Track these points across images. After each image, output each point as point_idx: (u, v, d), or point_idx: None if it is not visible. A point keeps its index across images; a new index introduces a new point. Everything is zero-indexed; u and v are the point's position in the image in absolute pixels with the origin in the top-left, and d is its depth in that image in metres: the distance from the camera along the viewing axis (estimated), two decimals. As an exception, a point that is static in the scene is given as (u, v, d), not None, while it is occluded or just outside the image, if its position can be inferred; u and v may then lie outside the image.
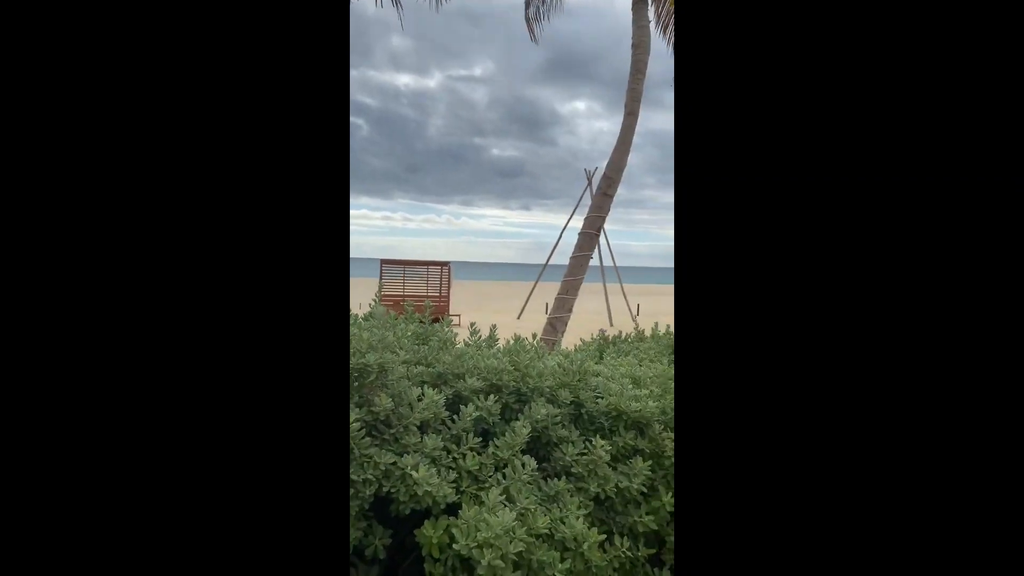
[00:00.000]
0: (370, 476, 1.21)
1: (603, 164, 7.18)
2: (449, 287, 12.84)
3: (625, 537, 1.51)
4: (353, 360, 1.34)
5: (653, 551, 1.61)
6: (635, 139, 7.10)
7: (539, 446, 1.60)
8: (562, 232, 15.53)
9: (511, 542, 1.14)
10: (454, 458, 1.37)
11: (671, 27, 7.88)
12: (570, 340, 5.55)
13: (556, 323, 6.97)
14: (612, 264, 15.81)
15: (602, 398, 1.74)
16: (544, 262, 15.89)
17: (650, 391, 1.86)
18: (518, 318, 14.18)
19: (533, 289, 15.92)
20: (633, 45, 7.00)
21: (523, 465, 1.36)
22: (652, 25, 7.39)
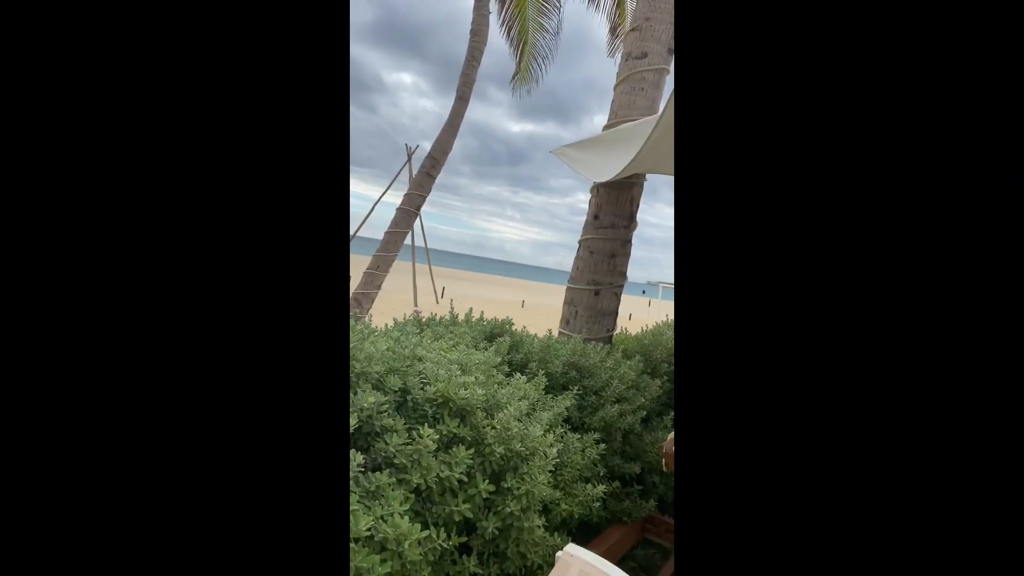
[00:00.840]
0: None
1: (424, 142, 7.10)
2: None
3: (440, 528, 1.47)
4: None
5: (464, 540, 1.61)
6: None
7: (359, 436, 1.44)
8: (375, 205, 14.85)
9: (329, 551, 0.99)
10: (258, 454, 1.15)
11: (515, 29, 8.09)
12: (376, 319, 5.30)
13: (362, 298, 6.62)
14: (424, 245, 15.74)
15: (429, 384, 1.66)
16: (352, 232, 14.97)
17: (475, 378, 1.85)
18: (316, 289, 13.09)
19: (336, 260, 14.88)
20: (472, 31, 7.00)
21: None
22: (493, 17, 7.49)
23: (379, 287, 6.80)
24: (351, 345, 1.49)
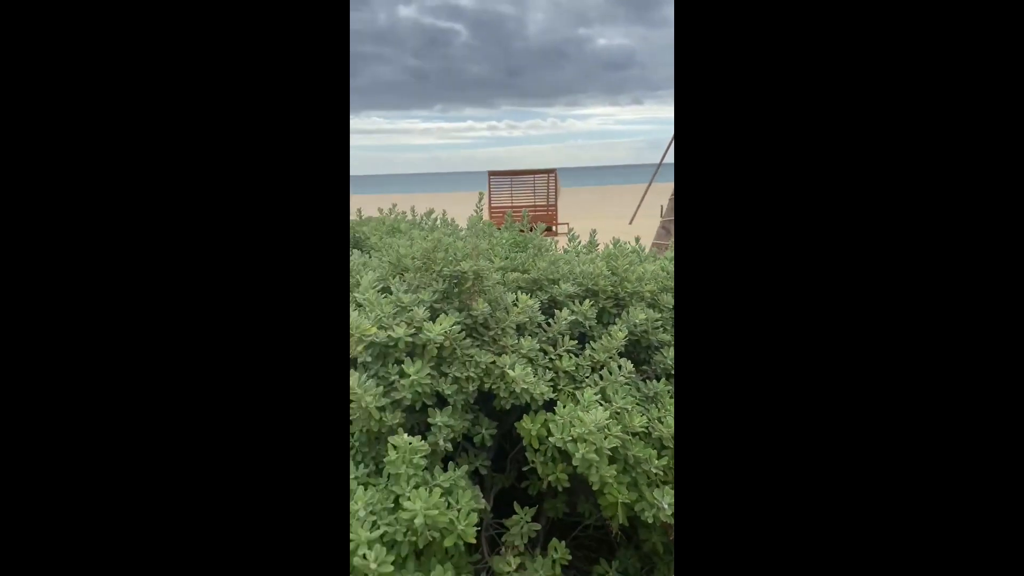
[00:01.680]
0: (472, 374, 1.30)
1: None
2: (557, 195, 12.63)
3: (730, 439, 1.48)
4: (448, 268, 1.40)
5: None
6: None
7: (639, 350, 1.58)
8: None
9: (605, 438, 1.17)
10: (551, 359, 1.42)
11: None
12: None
13: (670, 226, 6.61)
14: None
15: (708, 301, 1.64)
16: (658, 161, 14.80)
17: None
18: (630, 223, 13.63)
19: (646, 192, 15.05)
20: None
21: (619, 367, 1.36)
22: None
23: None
24: (623, 268, 1.61)
